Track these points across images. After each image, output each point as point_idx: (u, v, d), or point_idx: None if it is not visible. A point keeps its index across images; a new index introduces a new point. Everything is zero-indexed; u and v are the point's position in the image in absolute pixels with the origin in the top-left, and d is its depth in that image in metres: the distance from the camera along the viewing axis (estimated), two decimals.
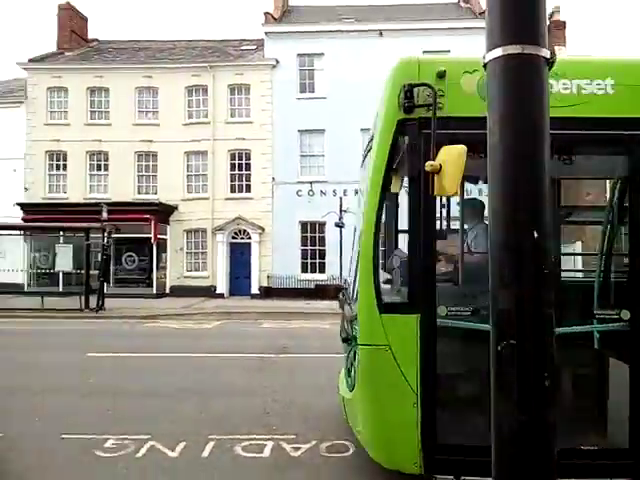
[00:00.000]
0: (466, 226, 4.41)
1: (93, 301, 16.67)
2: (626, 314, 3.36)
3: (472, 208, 4.49)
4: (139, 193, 24.01)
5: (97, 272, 17.21)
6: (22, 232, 19.76)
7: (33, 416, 5.64)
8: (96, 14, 76.21)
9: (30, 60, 25.14)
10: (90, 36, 29.01)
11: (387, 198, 3.71)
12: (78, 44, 27.34)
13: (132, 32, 65.63)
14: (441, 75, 3.49)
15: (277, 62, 23.59)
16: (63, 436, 5.04)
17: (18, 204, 23.09)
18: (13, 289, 18.99)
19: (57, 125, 24.26)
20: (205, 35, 55.26)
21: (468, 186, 4.67)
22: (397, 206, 4.68)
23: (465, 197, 4.40)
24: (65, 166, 24.41)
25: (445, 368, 3.60)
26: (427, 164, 3.17)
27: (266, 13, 24.89)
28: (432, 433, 3.46)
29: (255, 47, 25.84)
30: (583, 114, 3.40)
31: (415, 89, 3.45)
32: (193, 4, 78.41)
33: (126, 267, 23.33)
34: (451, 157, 3.05)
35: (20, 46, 72.89)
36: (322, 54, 23.45)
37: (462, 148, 3.02)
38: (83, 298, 16.73)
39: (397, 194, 4.23)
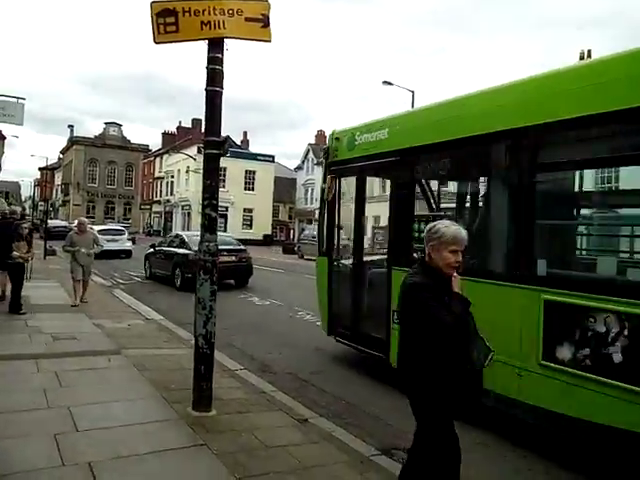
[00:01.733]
0: None
1: None
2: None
3: None
4: None
5: None
6: None
7: None
8: None
9: None
10: None
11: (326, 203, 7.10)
12: None
13: None
14: (337, 139, 6.87)
15: None
16: None
17: None
18: None
19: None
20: None
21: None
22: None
23: None
24: None
25: (339, 282, 6.93)
26: (321, 185, 7.31)
27: None
28: (332, 314, 6.99)
29: None
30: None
31: (326, 149, 7.14)
32: None
33: None
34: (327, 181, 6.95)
35: None
36: None
37: (329, 177, 6.84)
38: None
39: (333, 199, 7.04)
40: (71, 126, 72.27)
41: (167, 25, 4.67)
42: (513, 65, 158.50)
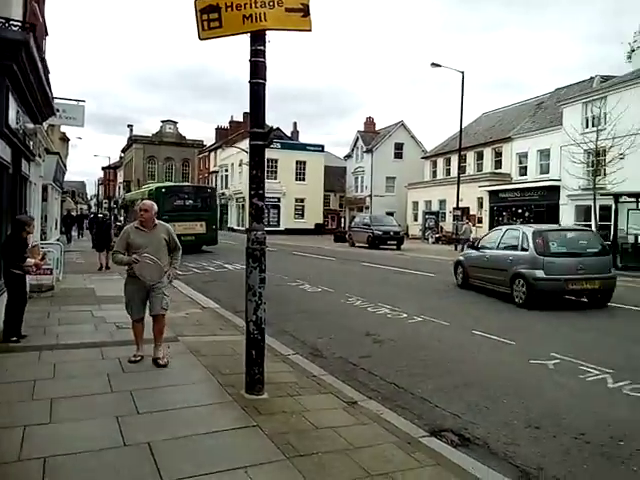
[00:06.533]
0: None
1: None
2: None
3: None
4: None
5: None
6: None
7: None
8: None
9: None
10: None
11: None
12: None
13: None
14: (123, 198, 49.85)
15: None
16: None
17: None
18: None
19: None
20: None
21: None
22: None
23: None
24: None
25: None
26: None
27: None
28: None
29: None
30: None
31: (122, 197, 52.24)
32: None
33: None
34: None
35: None
36: None
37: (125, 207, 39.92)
38: None
39: None
40: (130, 125, 75.43)
41: (211, 21, 4.82)
42: (570, 37, 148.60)
